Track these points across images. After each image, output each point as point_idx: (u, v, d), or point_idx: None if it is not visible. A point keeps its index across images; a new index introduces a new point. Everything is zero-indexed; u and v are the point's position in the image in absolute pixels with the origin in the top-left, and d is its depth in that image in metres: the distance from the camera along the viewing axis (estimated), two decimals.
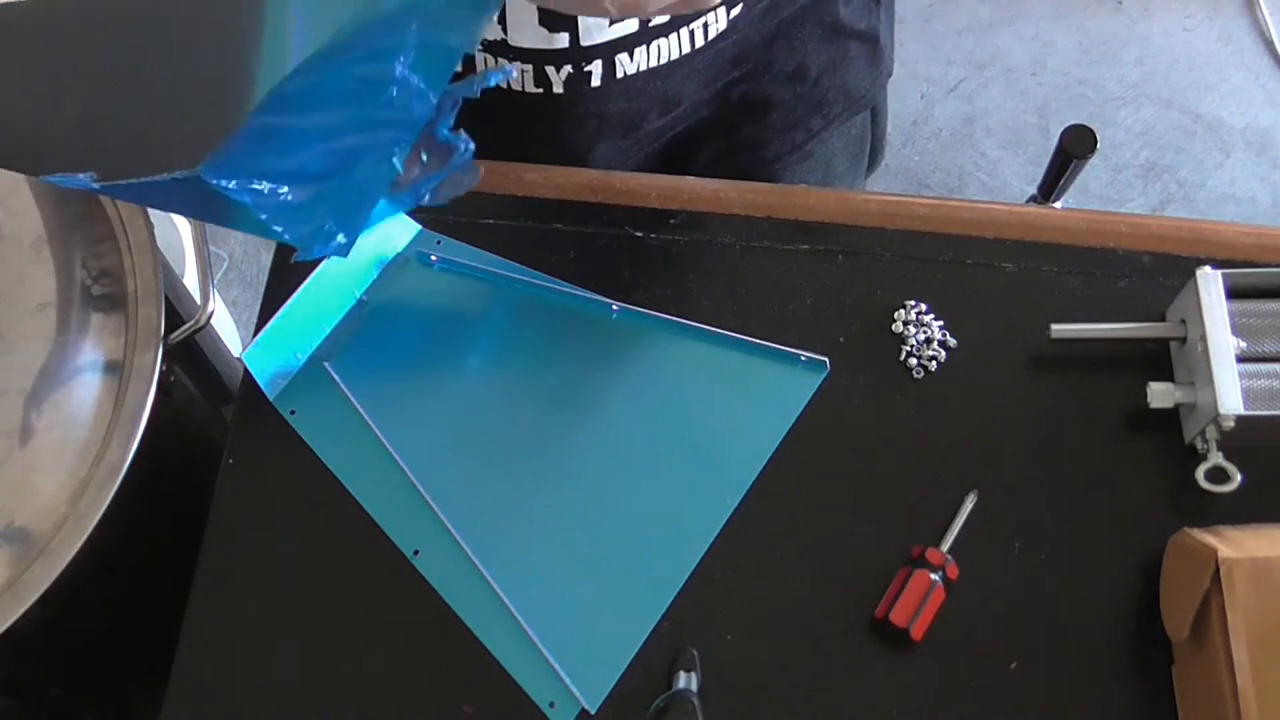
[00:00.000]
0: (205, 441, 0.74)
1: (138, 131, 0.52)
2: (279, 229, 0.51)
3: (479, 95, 0.54)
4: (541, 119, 0.70)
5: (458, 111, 0.55)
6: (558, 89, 0.67)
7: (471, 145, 0.57)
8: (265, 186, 0.50)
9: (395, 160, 0.55)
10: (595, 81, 0.67)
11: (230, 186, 0.48)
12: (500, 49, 0.65)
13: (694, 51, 0.69)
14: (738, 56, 0.73)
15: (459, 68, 0.53)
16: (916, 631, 0.56)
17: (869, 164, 0.91)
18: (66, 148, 0.52)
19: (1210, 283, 0.58)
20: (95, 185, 0.49)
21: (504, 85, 0.67)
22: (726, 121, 0.77)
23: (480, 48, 0.66)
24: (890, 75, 0.83)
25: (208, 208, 0.51)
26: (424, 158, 0.57)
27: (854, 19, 0.76)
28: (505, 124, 0.69)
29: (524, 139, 0.71)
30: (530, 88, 0.67)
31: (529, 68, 0.66)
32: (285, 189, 0.50)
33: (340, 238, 0.54)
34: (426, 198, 0.59)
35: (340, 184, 0.53)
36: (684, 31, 0.67)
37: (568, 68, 0.66)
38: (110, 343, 0.61)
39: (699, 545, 0.59)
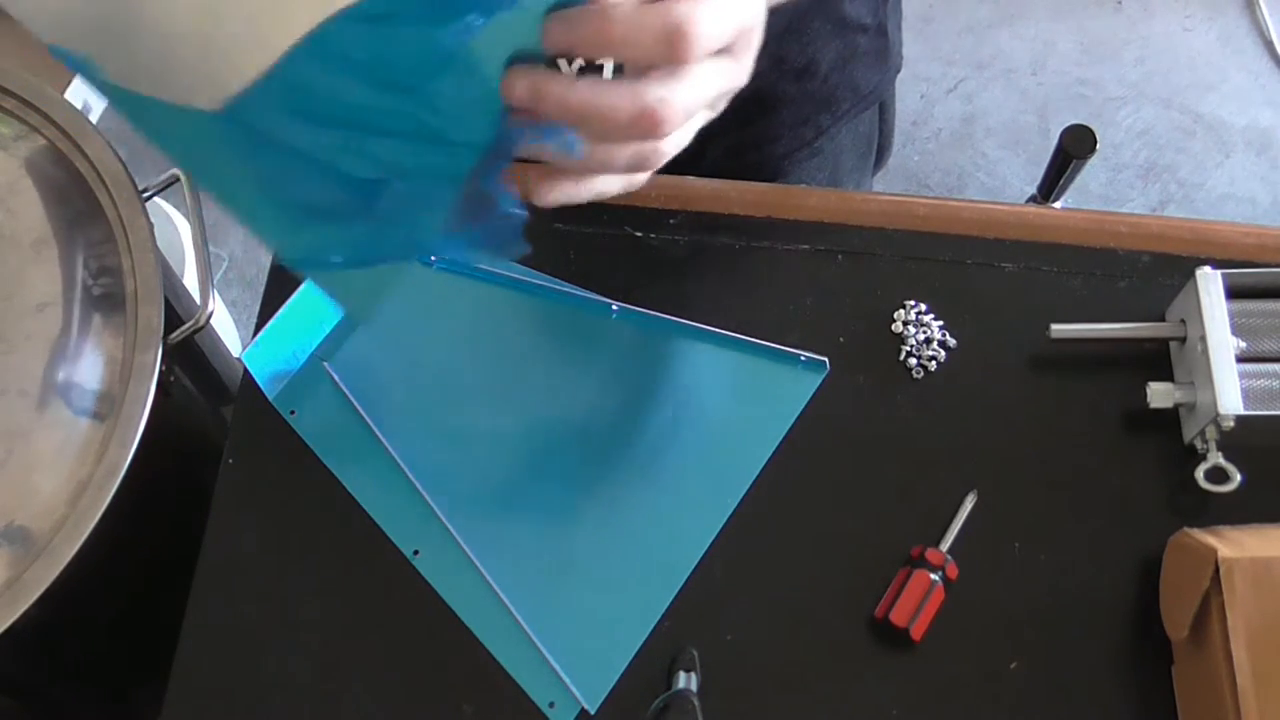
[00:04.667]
0: (205, 441, 0.74)
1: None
2: (270, 228, 0.43)
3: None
4: None
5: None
6: None
7: (523, 211, 0.43)
8: (284, 159, 0.39)
9: (446, 193, 0.42)
10: (607, 74, 0.67)
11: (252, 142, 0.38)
12: None
13: None
14: None
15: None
16: (916, 631, 0.56)
17: (876, 161, 0.91)
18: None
19: (1210, 283, 0.58)
20: (105, 78, 0.38)
21: None
22: (737, 117, 0.77)
23: None
24: (899, 71, 0.83)
25: (214, 158, 0.41)
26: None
27: (860, 14, 0.76)
28: None
29: None
30: None
31: None
32: (309, 178, 0.40)
33: (336, 258, 0.44)
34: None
35: (367, 204, 0.41)
36: None
37: (579, 59, 0.66)
38: (110, 343, 0.61)
39: (699, 545, 0.59)
